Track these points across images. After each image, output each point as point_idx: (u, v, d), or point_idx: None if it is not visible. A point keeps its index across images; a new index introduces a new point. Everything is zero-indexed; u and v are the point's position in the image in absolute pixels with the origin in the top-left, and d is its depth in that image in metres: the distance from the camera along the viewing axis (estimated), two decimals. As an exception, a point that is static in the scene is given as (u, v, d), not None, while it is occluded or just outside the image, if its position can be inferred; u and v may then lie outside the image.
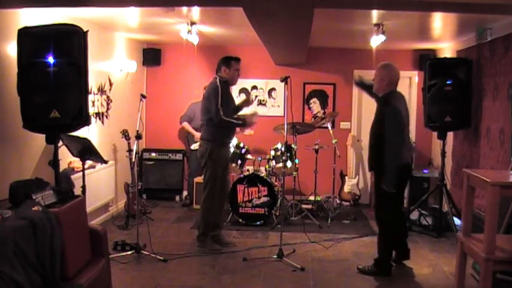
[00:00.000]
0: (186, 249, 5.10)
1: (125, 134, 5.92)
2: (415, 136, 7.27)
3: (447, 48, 6.84)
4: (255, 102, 7.67)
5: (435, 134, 6.08)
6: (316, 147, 6.46)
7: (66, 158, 4.95)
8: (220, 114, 4.88)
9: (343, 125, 7.61)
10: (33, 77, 3.74)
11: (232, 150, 6.07)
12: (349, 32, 5.87)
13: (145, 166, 7.45)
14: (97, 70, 5.85)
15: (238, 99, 7.61)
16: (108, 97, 6.24)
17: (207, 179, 5.08)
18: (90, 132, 5.48)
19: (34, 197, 3.18)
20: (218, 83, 5.02)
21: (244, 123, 5.12)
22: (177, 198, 7.53)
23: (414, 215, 6.00)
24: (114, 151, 6.44)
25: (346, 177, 7.27)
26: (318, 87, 7.64)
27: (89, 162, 5.08)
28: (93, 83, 5.68)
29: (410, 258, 4.72)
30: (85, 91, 4.01)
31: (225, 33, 6.31)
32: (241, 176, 6.20)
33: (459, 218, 5.37)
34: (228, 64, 5.14)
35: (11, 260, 2.66)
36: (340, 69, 7.57)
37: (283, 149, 5.91)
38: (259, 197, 6.10)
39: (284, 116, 5.04)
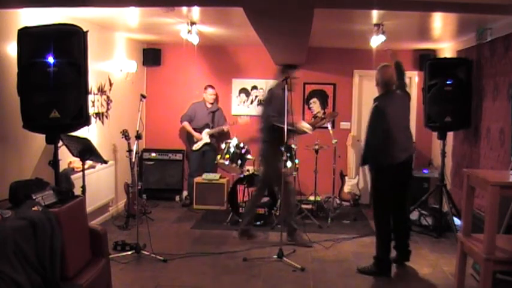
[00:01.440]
0: (186, 249, 5.10)
1: (125, 134, 5.92)
2: (415, 136, 7.25)
3: (447, 48, 6.84)
4: (255, 102, 7.68)
5: (435, 134, 6.08)
6: (316, 147, 6.46)
7: (66, 158, 4.95)
8: (271, 120, 5.22)
9: (343, 125, 7.61)
10: (33, 77, 3.74)
11: (232, 150, 6.10)
12: (349, 32, 5.87)
13: (145, 166, 7.45)
14: (97, 70, 5.85)
15: (238, 98, 7.66)
16: (108, 97, 6.24)
17: (262, 178, 5.59)
18: (90, 132, 5.48)
19: (34, 197, 3.18)
20: (276, 90, 5.29)
21: (295, 130, 5.40)
22: (177, 198, 7.53)
23: (414, 215, 6.00)
24: (114, 151, 6.44)
25: (346, 177, 7.27)
26: (318, 87, 7.64)
27: (89, 162, 5.08)
28: (93, 83, 5.68)
29: (410, 260, 4.71)
30: (85, 91, 4.01)
31: (225, 33, 6.31)
32: (241, 176, 6.20)
33: (459, 218, 5.37)
34: (284, 72, 5.34)
35: (11, 260, 2.66)
36: (340, 69, 7.57)
37: (283, 149, 5.90)
38: (259, 197, 6.09)
39: (284, 116, 5.03)
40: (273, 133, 5.27)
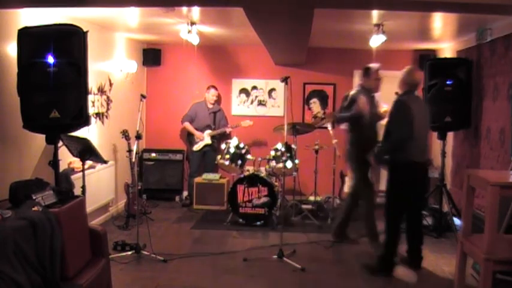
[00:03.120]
0: (186, 250, 5.10)
1: (125, 134, 5.92)
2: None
3: (447, 49, 6.84)
4: (255, 103, 7.68)
5: (435, 134, 6.07)
6: (316, 147, 6.46)
7: (66, 158, 4.95)
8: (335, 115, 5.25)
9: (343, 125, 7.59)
10: (33, 77, 3.74)
11: (232, 150, 6.08)
12: (349, 32, 5.87)
13: (146, 166, 7.45)
14: (97, 70, 5.85)
15: (238, 98, 7.66)
16: (108, 97, 6.24)
17: (354, 182, 5.24)
18: (90, 133, 5.48)
19: (34, 197, 3.18)
20: (355, 91, 5.16)
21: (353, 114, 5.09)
22: (177, 198, 7.53)
23: (414, 215, 5.99)
24: (114, 151, 6.44)
25: (346, 178, 7.26)
26: (318, 87, 7.63)
27: (88, 163, 5.08)
28: (93, 83, 5.68)
29: (420, 267, 4.60)
30: (85, 91, 4.01)
31: (225, 33, 6.31)
32: (242, 176, 6.20)
33: (459, 218, 5.37)
34: (366, 73, 5.17)
35: (11, 260, 2.66)
36: (340, 69, 7.56)
37: (283, 149, 5.91)
38: (259, 197, 6.10)
39: (284, 116, 5.04)
40: (354, 134, 5.11)
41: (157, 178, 7.45)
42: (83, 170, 4.64)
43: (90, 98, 5.47)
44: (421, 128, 4.39)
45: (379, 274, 4.40)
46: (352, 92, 5.18)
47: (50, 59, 3.74)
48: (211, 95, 7.20)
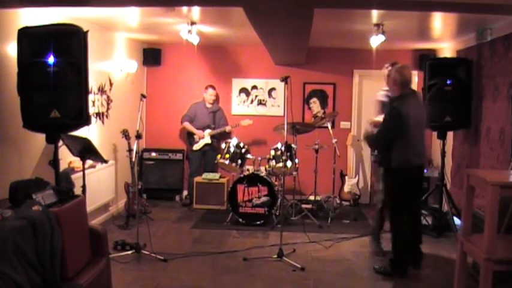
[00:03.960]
0: (186, 249, 5.10)
1: (125, 133, 5.92)
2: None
3: (447, 48, 6.84)
4: (255, 102, 7.69)
5: (435, 134, 6.08)
6: (316, 147, 6.46)
7: (66, 158, 4.95)
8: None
9: (343, 124, 7.61)
10: (33, 77, 3.74)
11: (232, 149, 6.08)
12: (349, 32, 5.87)
13: (146, 166, 7.45)
14: (97, 70, 5.85)
15: (238, 98, 7.66)
16: (108, 97, 6.25)
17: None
18: (90, 132, 5.48)
19: (34, 197, 3.19)
20: (379, 96, 5.06)
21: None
22: (177, 198, 7.53)
23: (414, 215, 5.99)
24: (114, 151, 6.45)
25: (346, 177, 7.27)
26: (318, 87, 7.64)
27: (89, 162, 5.08)
28: (93, 83, 5.68)
29: (420, 267, 4.60)
30: (85, 91, 4.01)
31: (225, 33, 6.31)
32: (241, 175, 6.21)
33: (459, 217, 5.37)
34: (388, 76, 4.95)
35: (11, 260, 2.66)
36: (340, 69, 7.57)
37: (283, 148, 5.91)
38: (259, 197, 6.10)
39: (284, 115, 5.04)
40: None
41: (157, 178, 7.45)
42: (83, 170, 4.64)
43: (91, 97, 5.47)
44: (418, 131, 4.40)
45: (394, 276, 4.38)
46: (379, 98, 5.08)
47: (50, 59, 3.73)
48: (209, 95, 7.20)
